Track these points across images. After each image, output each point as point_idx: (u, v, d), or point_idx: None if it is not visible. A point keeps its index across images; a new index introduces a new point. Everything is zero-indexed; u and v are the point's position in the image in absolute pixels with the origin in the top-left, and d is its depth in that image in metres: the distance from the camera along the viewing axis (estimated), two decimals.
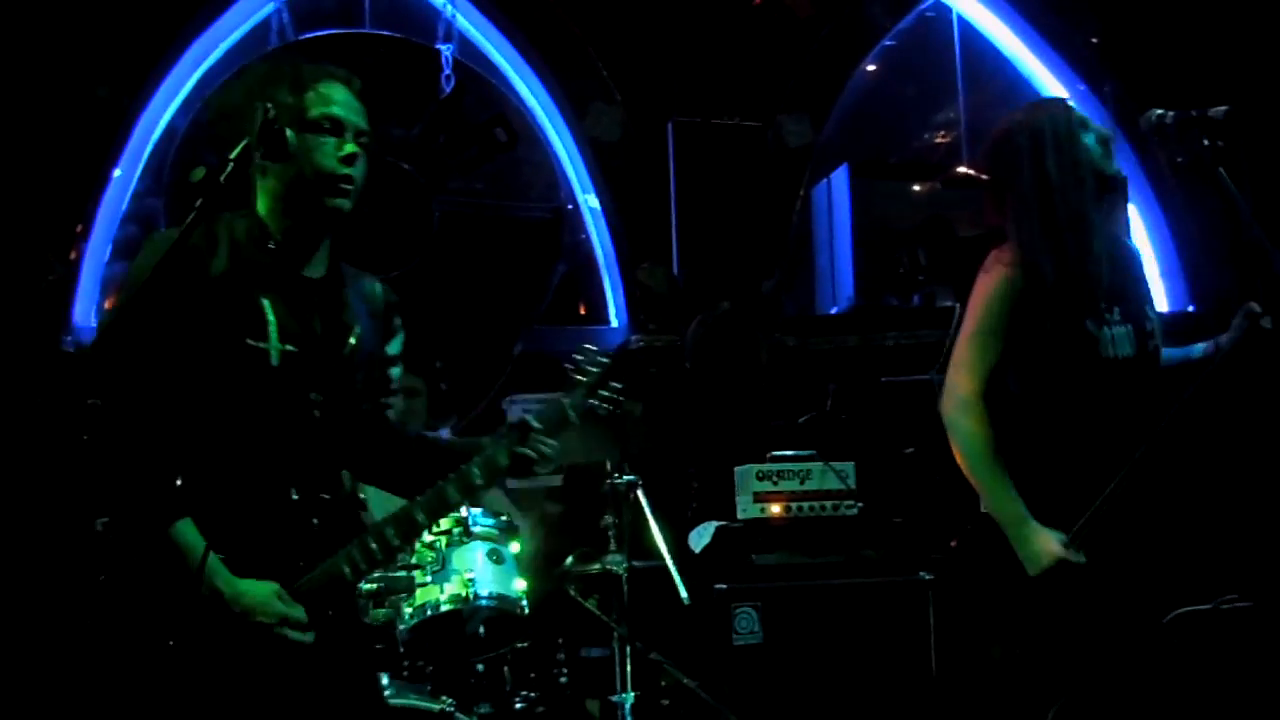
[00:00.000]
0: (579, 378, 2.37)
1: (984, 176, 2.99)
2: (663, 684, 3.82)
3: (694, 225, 5.31)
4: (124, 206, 5.13)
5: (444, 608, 3.46)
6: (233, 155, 2.10)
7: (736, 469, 4.55)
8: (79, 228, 4.88)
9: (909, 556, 4.14)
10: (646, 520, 3.76)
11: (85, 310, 4.98)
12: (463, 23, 5.51)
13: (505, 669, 3.67)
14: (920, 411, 3.31)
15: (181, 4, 5.07)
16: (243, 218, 2.29)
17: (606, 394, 2.38)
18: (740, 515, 4.49)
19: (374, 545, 2.24)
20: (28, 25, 4.81)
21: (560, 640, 3.94)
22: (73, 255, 4.88)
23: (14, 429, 4.41)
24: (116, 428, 2.11)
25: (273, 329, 2.20)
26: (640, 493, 3.74)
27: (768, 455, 4.56)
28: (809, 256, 5.60)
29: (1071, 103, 2.92)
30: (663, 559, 3.68)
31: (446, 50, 5.34)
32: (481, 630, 3.65)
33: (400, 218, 5.27)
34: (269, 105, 2.15)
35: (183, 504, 2.12)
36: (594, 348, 2.44)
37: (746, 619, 4.26)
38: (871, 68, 5.99)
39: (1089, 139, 2.79)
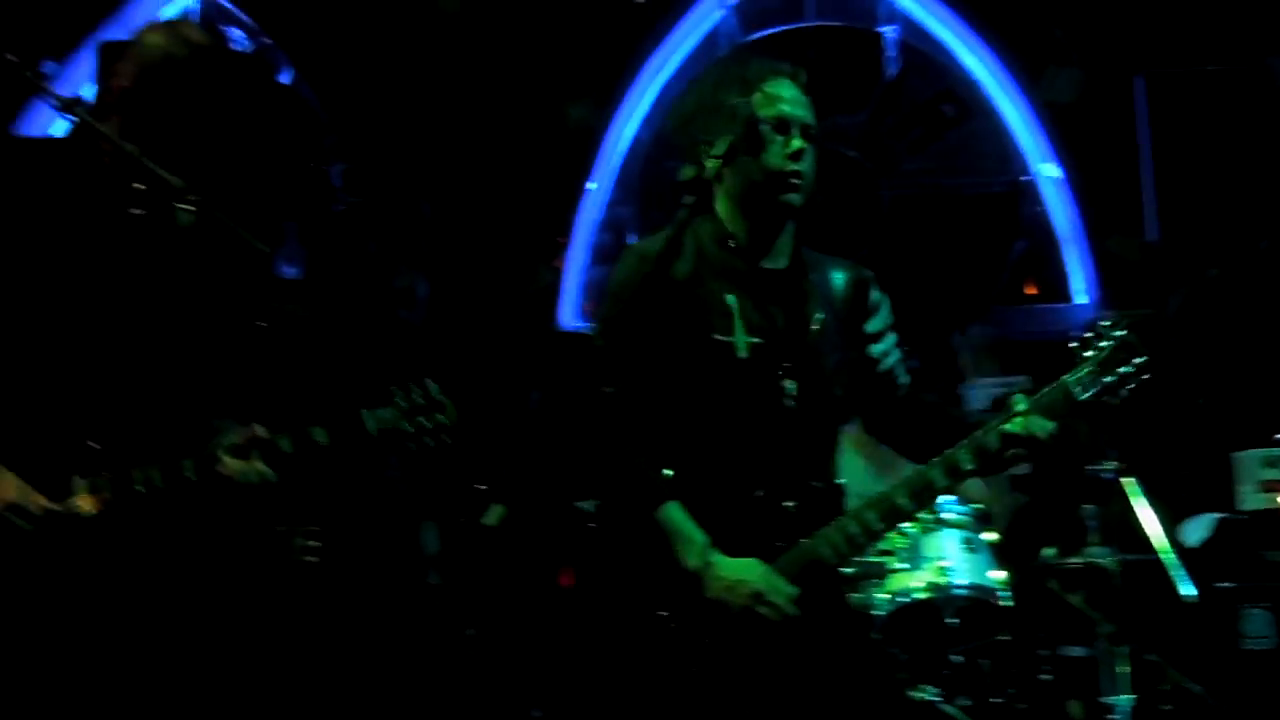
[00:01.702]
0: (1085, 352, 2.15)
1: None
2: (1163, 688, 3.52)
3: (1172, 186, 4.83)
4: (598, 216, 5.59)
5: (919, 596, 3.42)
6: (716, 153, 2.20)
7: (1236, 455, 4.11)
8: (562, 238, 5.39)
9: None
10: (1133, 510, 3.48)
11: (569, 311, 5.49)
12: (904, 3, 5.42)
13: (984, 662, 3.57)
14: None
15: (638, 24, 5.43)
16: (706, 221, 2.38)
17: (1127, 371, 2.11)
18: (1242, 506, 4.06)
19: (854, 529, 2.23)
20: (511, 61, 5.38)
21: (1042, 636, 3.75)
22: (557, 263, 5.39)
23: (512, 421, 4.96)
24: (616, 416, 2.26)
25: (738, 323, 2.27)
26: (1128, 480, 3.47)
27: (1275, 438, 4.07)
28: None
29: None
30: (1156, 552, 3.39)
31: (890, 32, 5.28)
32: (956, 620, 3.57)
33: (847, 206, 5.28)
34: (738, 104, 2.24)
35: (670, 489, 2.23)
36: (1117, 314, 2.19)
37: (1257, 621, 3.84)
38: None
39: None
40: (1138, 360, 2.13)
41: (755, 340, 2.27)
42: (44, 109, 6.09)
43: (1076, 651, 3.91)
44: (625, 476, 2.26)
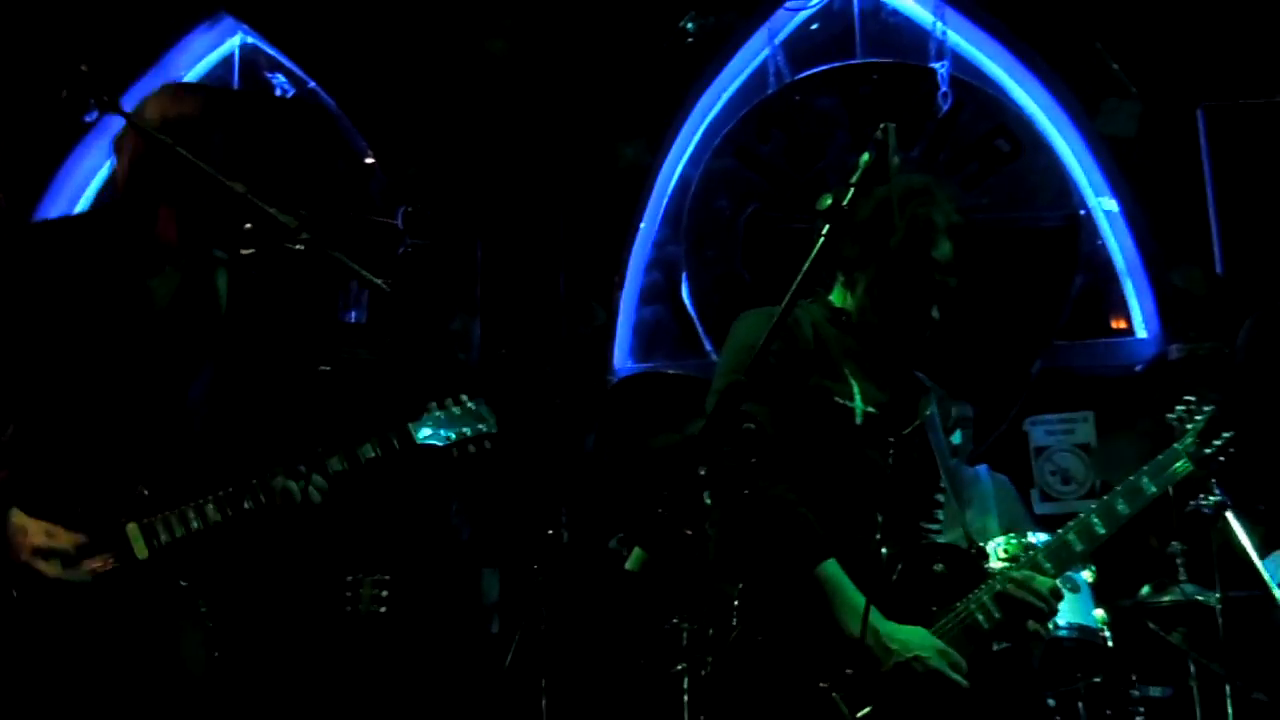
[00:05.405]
0: (1187, 425, 2.32)
1: None
2: None
3: (1236, 217, 4.78)
4: (648, 255, 5.53)
5: None
6: (875, 245, 2.27)
7: None
8: (616, 278, 5.32)
9: None
10: (1235, 545, 3.40)
11: (622, 354, 5.41)
12: (954, 38, 5.41)
13: (1080, 705, 3.47)
14: None
15: (688, 63, 5.41)
16: (817, 301, 2.42)
17: (1219, 444, 2.30)
18: None
19: (1014, 590, 2.20)
20: (561, 101, 5.35)
21: (1134, 677, 3.65)
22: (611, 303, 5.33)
23: (576, 469, 4.88)
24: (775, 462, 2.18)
25: (857, 393, 2.30)
26: (1231, 515, 3.38)
27: None
28: None
29: None
30: (1262, 588, 3.30)
31: (941, 68, 5.26)
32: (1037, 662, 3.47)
33: None
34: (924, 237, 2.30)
35: (827, 546, 2.16)
36: (1197, 396, 2.36)
37: None
38: None
39: None
40: (1227, 435, 2.31)
41: (870, 410, 2.28)
42: (93, 147, 5.96)
43: (1155, 692, 3.82)
44: (786, 527, 2.15)
